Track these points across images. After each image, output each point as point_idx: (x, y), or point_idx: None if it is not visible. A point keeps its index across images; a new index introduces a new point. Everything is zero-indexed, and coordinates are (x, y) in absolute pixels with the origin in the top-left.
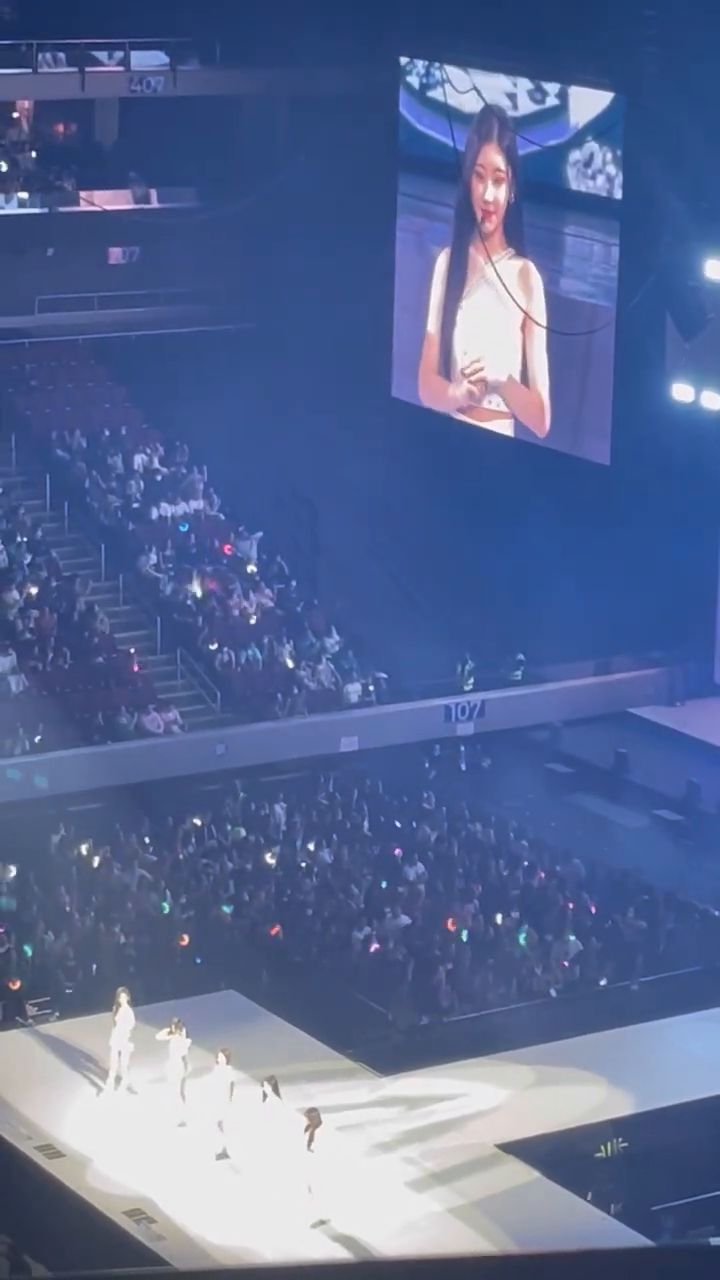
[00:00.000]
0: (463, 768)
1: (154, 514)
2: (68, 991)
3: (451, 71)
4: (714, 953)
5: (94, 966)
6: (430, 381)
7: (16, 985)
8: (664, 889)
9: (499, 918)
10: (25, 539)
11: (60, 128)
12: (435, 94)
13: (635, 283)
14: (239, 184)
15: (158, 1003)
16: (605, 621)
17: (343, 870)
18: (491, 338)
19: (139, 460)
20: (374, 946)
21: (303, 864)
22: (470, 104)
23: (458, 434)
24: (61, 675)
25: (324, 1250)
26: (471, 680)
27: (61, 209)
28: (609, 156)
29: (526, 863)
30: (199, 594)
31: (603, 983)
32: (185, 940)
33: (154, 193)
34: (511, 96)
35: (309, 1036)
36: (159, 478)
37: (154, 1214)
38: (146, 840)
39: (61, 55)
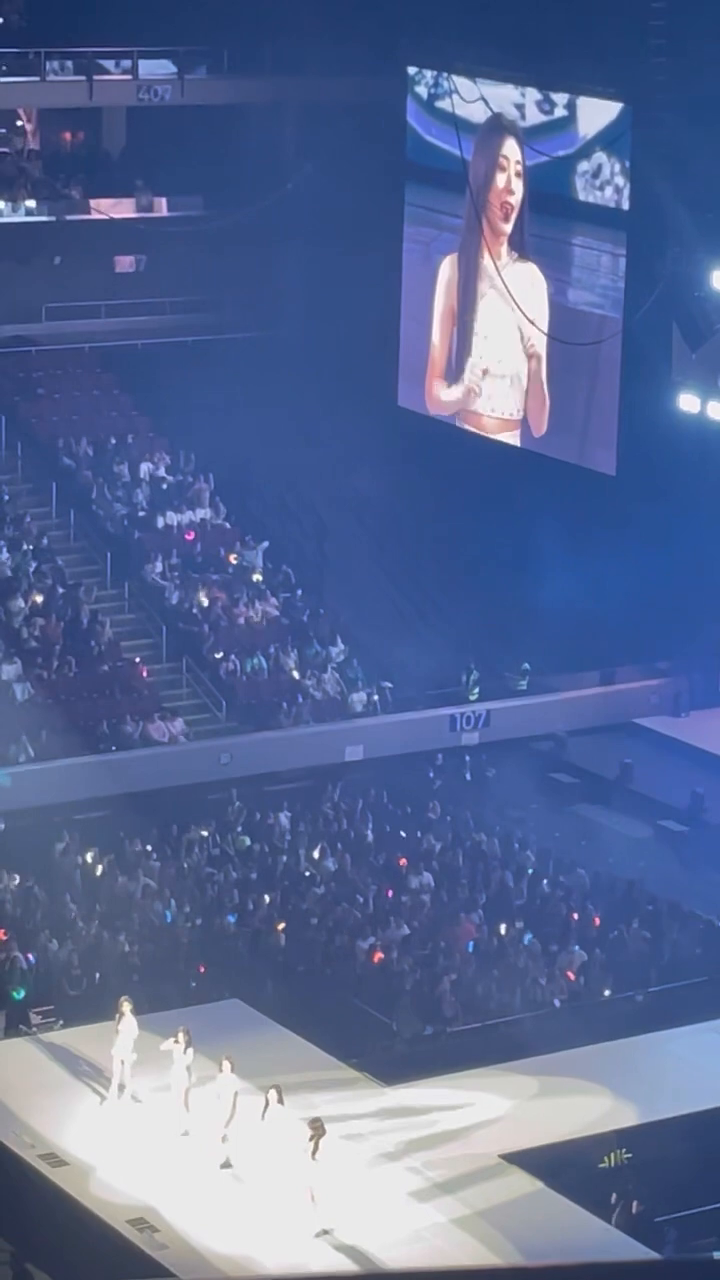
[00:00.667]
0: (468, 777)
1: (160, 522)
2: (71, 996)
3: (459, 82)
4: (718, 963)
5: (98, 975)
6: (435, 389)
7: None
8: (668, 899)
9: (503, 928)
10: (31, 546)
11: (68, 136)
12: (443, 104)
13: (642, 293)
14: (246, 193)
15: (161, 1011)
16: (611, 632)
17: (347, 880)
18: (499, 345)
19: (145, 468)
20: (377, 956)
21: (307, 873)
22: (478, 114)
23: (464, 443)
24: (67, 683)
25: (327, 1260)
26: (477, 690)
27: (69, 217)
28: (617, 167)
29: (531, 872)
30: (205, 603)
31: (606, 993)
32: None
33: (161, 201)
34: (520, 107)
35: (313, 1046)
36: (165, 486)
37: (157, 1223)
38: (151, 849)
39: (69, 64)
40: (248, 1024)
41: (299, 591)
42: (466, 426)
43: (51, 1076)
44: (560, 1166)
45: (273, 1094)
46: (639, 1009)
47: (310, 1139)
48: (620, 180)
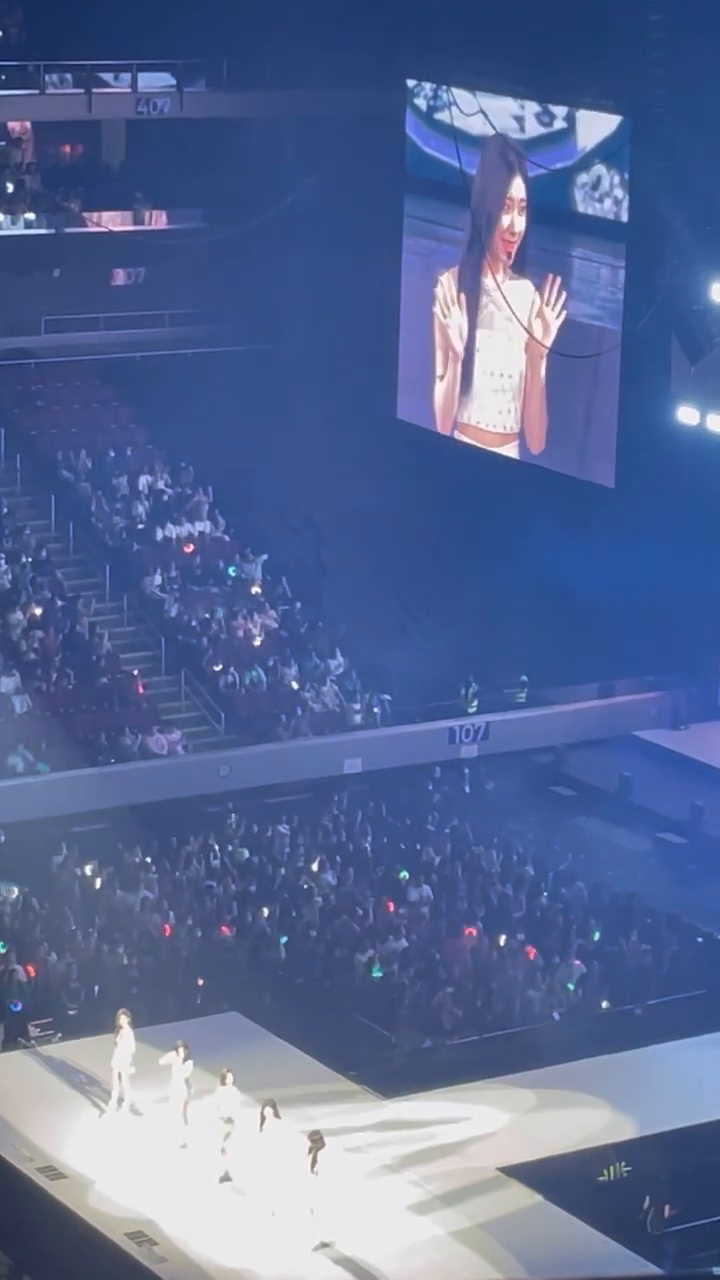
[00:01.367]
0: (467, 790)
1: (159, 535)
2: (70, 1013)
3: (459, 94)
4: (717, 976)
5: (96, 988)
6: (435, 403)
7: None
8: (667, 912)
9: (502, 940)
10: (30, 559)
11: (67, 149)
12: (442, 116)
13: (641, 305)
14: (245, 205)
15: (160, 1024)
16: (609, 644)
17: (346, 892)
18: (499, 359)
19: (144, 481)
20: (376, 972)
21: (305, 885)
22: (477, 127)
23: (462, 456)
24: (65, 696)
25: (326, 1273)
26: (476, 702)
27: (68, 230)
28: (616, 179)
29: (530, 885)
30: (205, 616)
31: (605, 1006)
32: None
33: (161, 214)
34: (519, 120)
35: (311, 1059)
36: (164, 498)
37: (156, 1236)
38: (150, 861)
39: (68, 77)
40: (246, 1037)
41: (298, 604)
42: (466, 439)
43: (50, 1089)
44: (559, 1180)
45: (269, 1109)
46: (638, 1022)
47: (309, 1151)
48: (619, 192)
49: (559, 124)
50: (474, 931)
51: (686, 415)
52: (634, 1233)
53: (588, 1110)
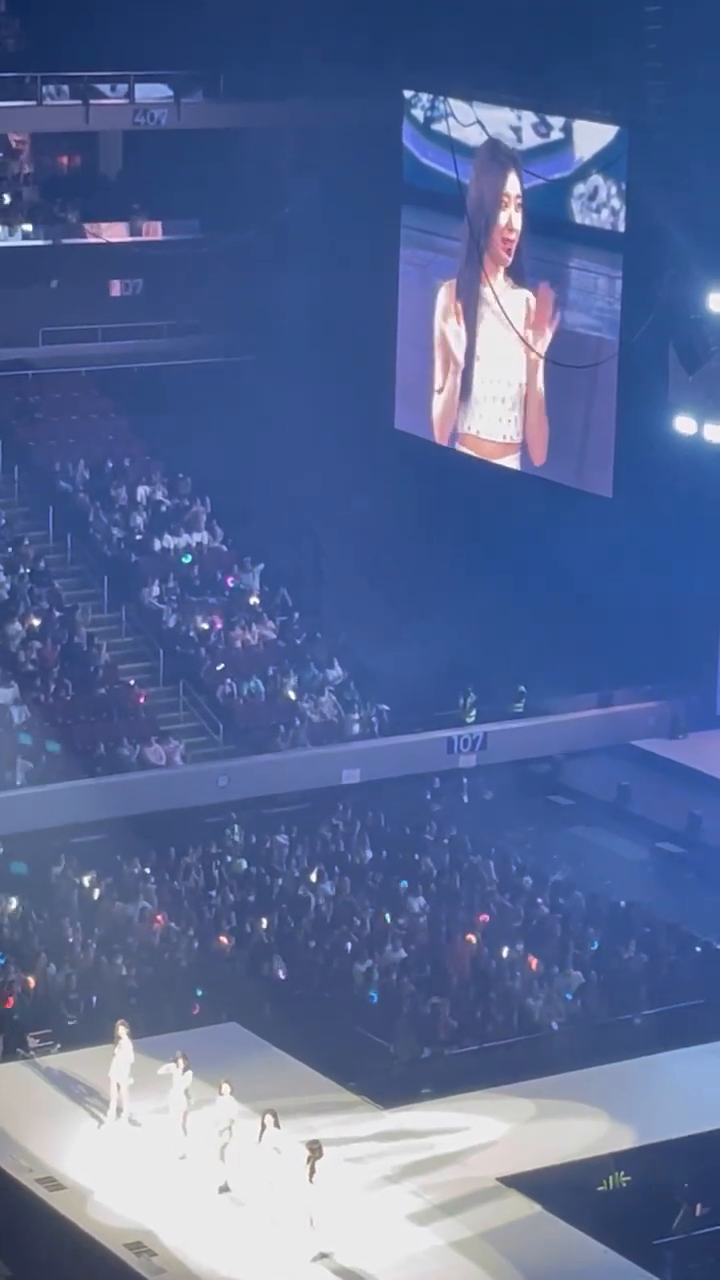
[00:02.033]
0: (465, 800)
1: (157, 546)
2: (69, 1023)
3: (456, 105)
4: (716, 986)
5: (94, 999)
6: (434, 413)
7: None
8: (666, 922)
9: (502, 950)
10: (28, 570)
11: (64, 160)
12: (439, 127)
13: (638, 316)
14: (242, 216)
15: (159, 1035)
16: (607, 654)
17: (345, 903)
18: (499, 370)
19: (142, 492)
20: (374, 978)
21: (304, 895)
22: (474, 137)
23: (460, 466)
24: (63, 707)
25: None
26: (474, 712)
27: (65, 241)
28: (613, 190)
29: (528, 895)
30: (204, 628)
31: (604, 1016)
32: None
33: (158, 225)
34: (516, 130)
35: (310, 1069)
36: (162, 509)
37: (155, 1247)
38: (148, 872)
39: (65, 88)
40: (245, 1047)
41: (296, 614)
42: (465, 450)
43: (49, 1100)
44: (558, 1189)
45: (269, 1118)
46: (637, 1031)
47: (307, 1161)
48: (616, 203)
49: (556, 134)
50: (473, 939)
51: (684, 425)
52: (633, 1242)
53: (587, 1120)
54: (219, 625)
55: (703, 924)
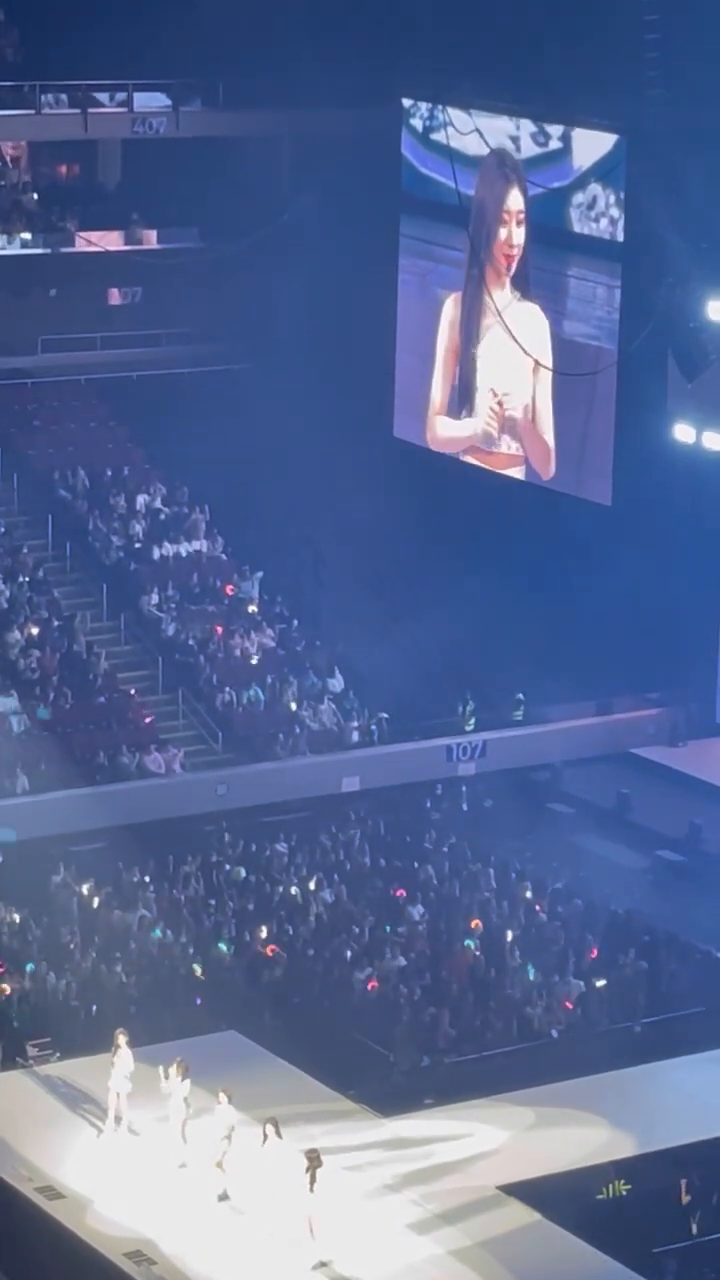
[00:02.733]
0: (464, 808)
1: (156, 554)
2: (69, 1029)
3: (454, 114)
4: (715, 994)
5: (94, 1007)
6: (439, 425)
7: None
8: (665, 930)
9: (501, 958)
10: (27, 578)
11: (63, 169)
12: (438, 136)
13: (637, 324)
14: (241, 225)
15: (159, 1044)
16: (606, 662)
17: (344, 911)
18: (503, 382)
19: (141, 500)
20: (372, 984)
21: (303, 902)
22: (473, 146)
23: (459, 474)
24: (63, 715)
25: None
26: (473, 720)
27: (64, 250)
28: (612, 199)
29: (527, 903)
30: (205, 637)
31: (604, 1024)
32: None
33: (155, 233)
34: (515, 139)
35: (310, 1077)
36: (162, 517)
37: (155, 1255)
38: (148, 880)
39: (64, 97)
40: (245, 1056)
41: (295, 622)
42: (470, 460)
43: (48, 1109)
44: (558, 1198)
45: (269, 1127)
46: (636, 1040)
47: (307, 1170)
48: (615, 212)
49: (554, 143)
50: (471, 945)
51: (683, 433)
52: (634, 1251)
53: (586, 1128)
54: (219, 633)
55: (702, 932)
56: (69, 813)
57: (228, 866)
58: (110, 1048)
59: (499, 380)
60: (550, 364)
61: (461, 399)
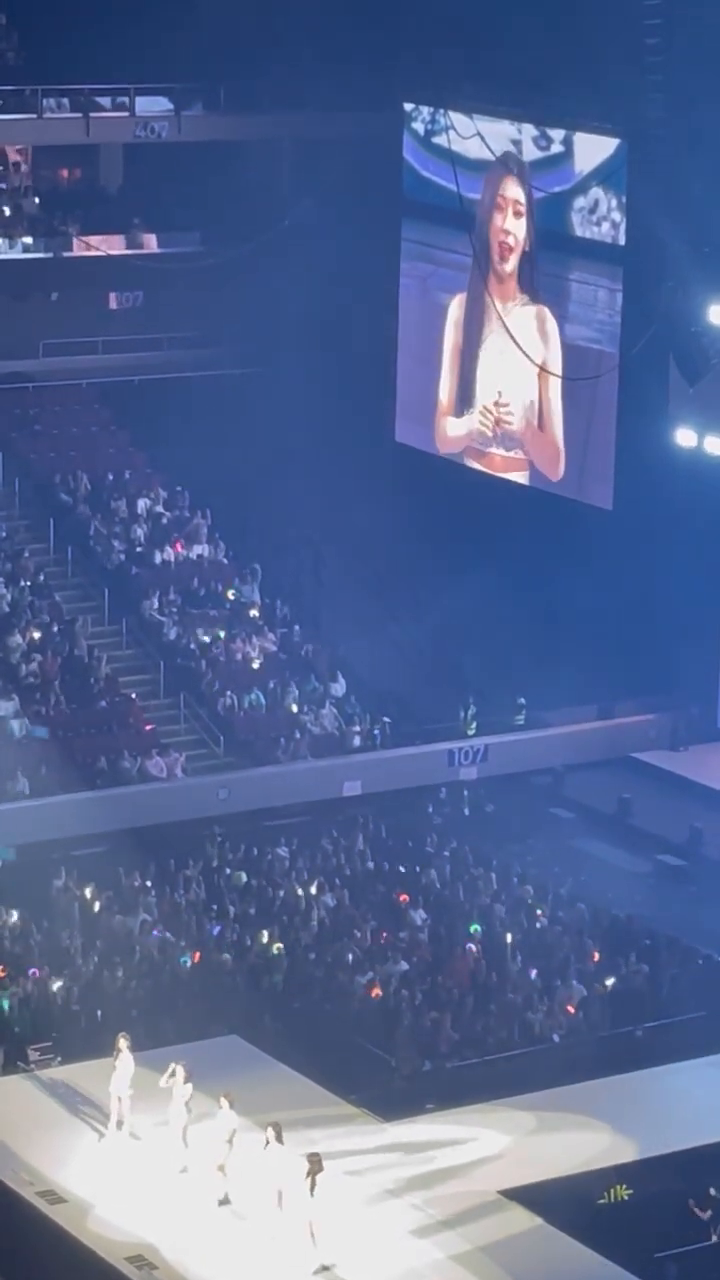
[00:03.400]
0: (466, 812)
1: (157, 558)
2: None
3: (456, 118)
4: (717, 998)
5: (98, 1012)
6: (443, 428)
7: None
8: (667, 934)
9: (502, 963)
10: (29, 583)
11: (64, 173)
12: (440, 140)
13: (639, 328)
14: (243, 228)
15: (160, 1048)
16: (608, 666)
17: (345, 915)
18: (509, 385)
19: (142, 504)
20: (374, 991)
21: (304, 907)
22: (475, 150)
23: (461, 478)
24: (64, 719)
25: None
26: (474, 725)
27: (65, 254)
28: (613, 203)
29: (529, 908)
30: (206, 640)
31: (605, 1029)
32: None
33: (155, 237)
34: (517, 143)
35: (311, 1082)
36: (163, 521)
37: (156, 1260)
38: (149, 884)
39: (65, 101)
40: (246, 1060)
41: (296, 627)
42: (474, 465)
43: (49, 1113)
44: (560, 1202)
45: (270, 1131)
46: (638, 1044)
47: (309, 1175)
48: (617, 215)
49: (556, 147)
50: (473, 950)
51: (684, 437)
52: (635, 1255)
53: (588, 1133)
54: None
55: (704, 936)
56: (70, 817)
57: (228, 870)
58: (112, 1052)
59: (504, 383)
60: (558, 368)
61: (466, 402)
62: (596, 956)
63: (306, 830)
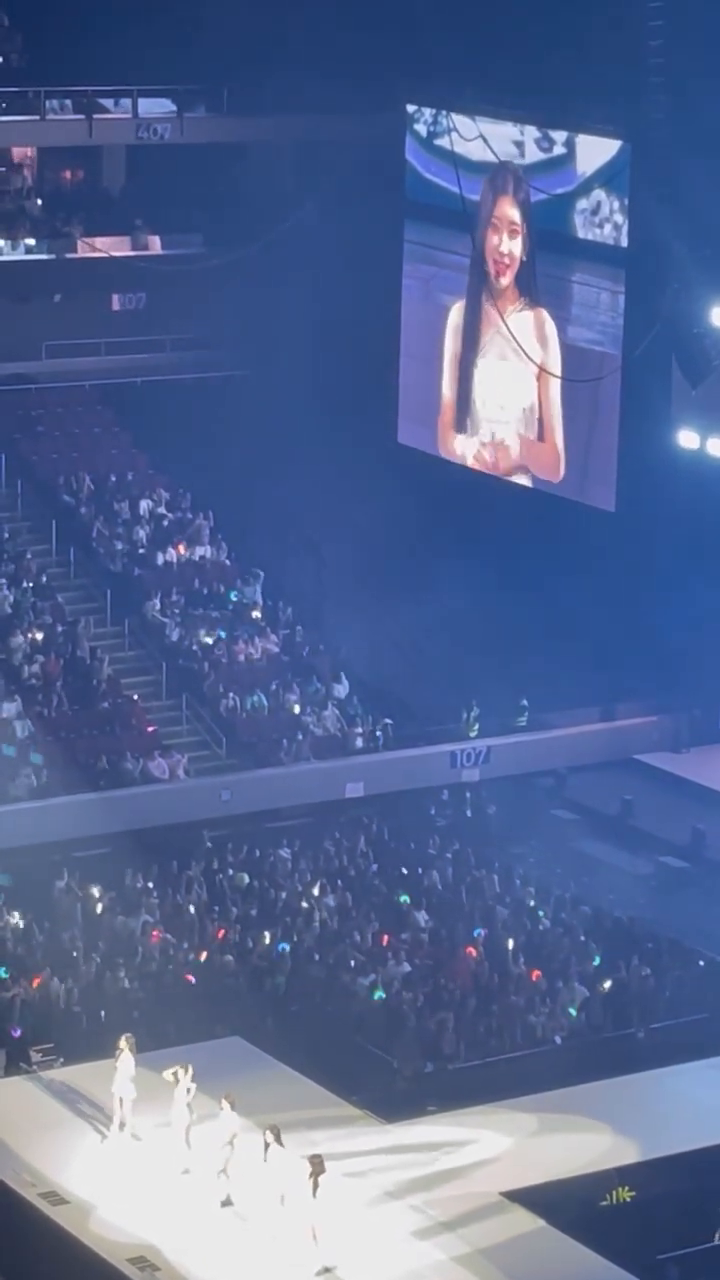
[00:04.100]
0: (468, 814)
1: (160, 559)
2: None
3: (458, 120)
4: (718, 1000)
5: (101, 1013)
6: (446, 432)
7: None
8: (669, 936)
9: (504, 964)
10: (31, 584)
11: (67, 174)
12: (442, 142)
13: (641, 330)
14: (246, 230)
15: (162, 1049)
16: (610, 668)
17: (348, 916)
18: (508, 390)
19: (145, 505)
20: (378, 994)
21: (307, 908)
22: (477, 152)
23: (463, 480)
24: (66, 720)
25: None
26: (477, 726)
27: (68, 255)
28: (616, 205)
29: (531, 910)
30: (209, 642)
31: (607, 1030)
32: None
33: (158, 239)
34: (519, 145)
35: (313, 1083)
36: (165, 523)
37: (158, 1261)
38: (151, 886)
39: (69, 102)
40: (248, 1061)
41: (299, 628)
42: (477, 468)
43: (51, 1114)
44: (562, 1204)
45: (269, 1134)
46: (640, 1046)
47: (310, 1176)
48: (619, 217)
49: (559, 149)
50: (474, 952)
51: (687, 439)
52: (637, 1257)
53: (590, 1134)
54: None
55: (705, 938)
56: (72, 818)
57: (230, 872)
58: (113, 1053)
59: (505, 387)
60: (558, 370)
61: (468, 409)
62: (598, 959)
63: (309, 832)
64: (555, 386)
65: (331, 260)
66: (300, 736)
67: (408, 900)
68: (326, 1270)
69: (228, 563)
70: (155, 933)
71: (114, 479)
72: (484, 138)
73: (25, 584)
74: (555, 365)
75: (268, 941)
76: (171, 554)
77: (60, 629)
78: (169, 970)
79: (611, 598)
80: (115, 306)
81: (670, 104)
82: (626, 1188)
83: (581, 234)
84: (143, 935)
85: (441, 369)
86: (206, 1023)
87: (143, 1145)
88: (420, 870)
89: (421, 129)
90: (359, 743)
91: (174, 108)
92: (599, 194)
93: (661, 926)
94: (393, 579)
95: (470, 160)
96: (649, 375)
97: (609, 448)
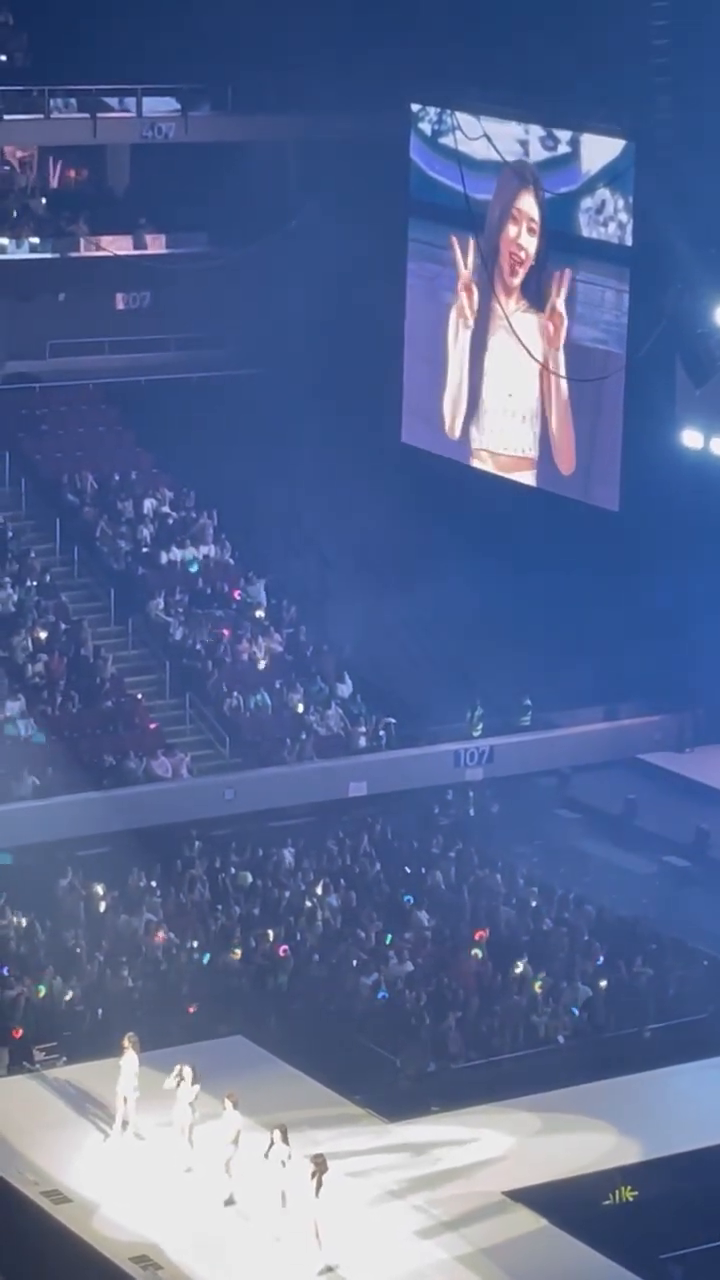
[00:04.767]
0: (471, 813)
1: (164, 558)
2: (74, 1034)
3: (463, 118)
4: None
5: (100, 1011)
6: (450, 429)
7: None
8: (672, 936)
9: (508, 964)
10: (35, 583)
11: (72, 173)
12: (446, 141)
13: (645, 329)
14: (250, 229)
15: (166, 1048)
16: (614, 667)
17: (351, 916)
18: (512, 390)
19: (149, 504)
20: (381, 993)
21: (310, 907)
22: (482, 151)
23: (467, 479)
24: (70, 719)
25: None
26: (480, 726)
27: (72, 254)
28: (620, 203)
29: (534, 909)
30: (212, 641)
31: (611, 1030)
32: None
33: (163, 238)
34: (524, 144)
35: (316, 1082)
36: (170, 522)
37: (161, 1260)
38: (154, 884)
39: (73, 101)
40: (251, 1060)
41: (303, 627)
42: (481, 466)
43: (55, 1113)
44: (564, 1204)
45: (276, 1133)
46: (643, 1045)
47: (313, 1175)
48: (623, 216)
49: (563, 148)
50: (478, 953)
51: (691, 439)
52: (640, 1257)
53: (593, 1134)
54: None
55: (709, 938)
56: (76, 817)
57: (233, 870)
58: (117, 1052)
59: (509, 385)
60: (562, 370)
61: (473, 403)
62: (601, 958)
63: (312, 831)
64: (561, 385)
65: (336, 259)
66: (304, 736)
67: (411, 900)
68: (329, 1269)
69: (231, 562)
70: (159, 932)
71: (118, 478)
72: (488, 137)
73: (29, 583)
74: (560, 365)
75: (271, 940)
76: (175, 553)
77: (64, 628)
78: (172, 970)
79: (615, 597)
80: (119, 305)
81: (675, 103)
82: (629, 1187)
83: (586, 233)
84: (146, 934)
85: (445, 368)
86: (210, 1021)
87: (146, 1144)
88: (423, 870)
89: (426, 128)
90: (362, 742)
91: (179, 106)
92: (603, 193)
93: (665, 926)
94: (396, 578)
95: (474, 159)
96: (653, 375)
97: (613, 447)
